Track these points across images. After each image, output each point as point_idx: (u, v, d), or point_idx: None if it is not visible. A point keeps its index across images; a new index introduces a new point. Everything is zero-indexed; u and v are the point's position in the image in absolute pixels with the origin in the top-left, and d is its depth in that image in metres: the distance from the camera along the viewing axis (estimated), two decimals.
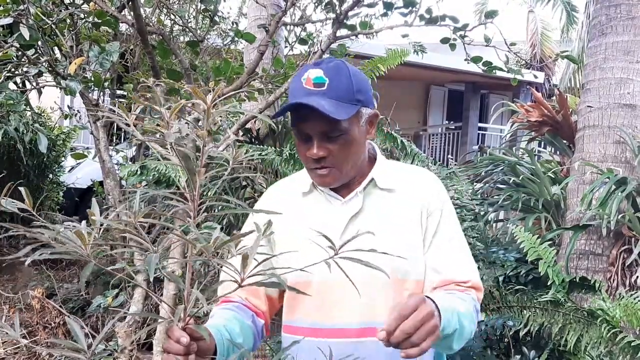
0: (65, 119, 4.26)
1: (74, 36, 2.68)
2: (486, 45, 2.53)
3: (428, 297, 0.99)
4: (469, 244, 1.59)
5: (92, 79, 2.65)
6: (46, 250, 0.69)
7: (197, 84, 2.76)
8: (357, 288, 0.92)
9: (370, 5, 2.57)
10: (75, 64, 2.30)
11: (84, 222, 0.74)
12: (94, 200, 0.80)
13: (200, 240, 0.75)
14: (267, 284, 0.79)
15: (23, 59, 2.40)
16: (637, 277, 3.13)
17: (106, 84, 3.05)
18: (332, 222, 1.19)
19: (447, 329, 1.00)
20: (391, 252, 1.09)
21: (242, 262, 0.75)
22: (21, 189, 0.77)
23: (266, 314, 1.26)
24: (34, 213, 0.76)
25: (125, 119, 0.83)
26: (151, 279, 2.74)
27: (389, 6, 2.52)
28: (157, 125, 0.81)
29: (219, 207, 2.67)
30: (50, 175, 5.32)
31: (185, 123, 0.80)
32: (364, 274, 0.93)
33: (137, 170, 2.73)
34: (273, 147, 3.09)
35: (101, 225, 0.74)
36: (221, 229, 0.88)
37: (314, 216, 1.22)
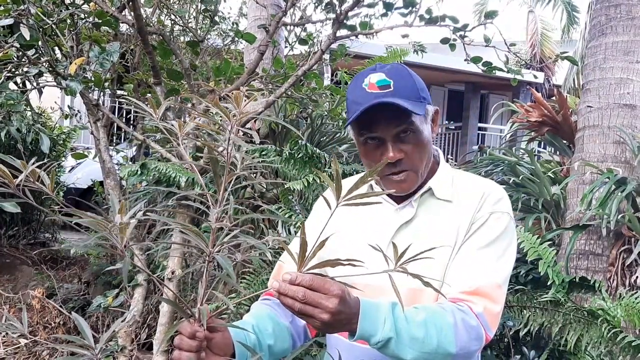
0: (66, 119, 4.27)
1: (74, 36, 2.68)
2: (486, 46, 2.54)
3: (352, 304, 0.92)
4: None
5: (93, 79, 2.65)
6: (86, 240, 0.69)
7: (197, 84, 2.76)
8: (399, 297, 0.85)
9: (370, 6, 2.58)
10: (76, 64, 2.30)
11: (118, 215, 0.73)
12: (112, 194, 0.80)
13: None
14: None
15: (23, 59, 2.40)
16: (637, 277, 3.13)
17: (106, 84, 3.06)
18: (383, 228, 1.17)
19: (371, 333, 0.93)
20: (433, 264, 1.06)
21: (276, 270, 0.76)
22: (41, 171, 0.77)
23: None
24: (54, 196, 0.76)
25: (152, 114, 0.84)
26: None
27: (389, 6, 2.53)
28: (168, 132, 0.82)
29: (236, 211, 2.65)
30: None
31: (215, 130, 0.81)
32: (411, 283, 0.89)
33: (137, 170, 2.73)
34: (273, 147, 3.09)
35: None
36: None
37: (367, 220, 1.20)
